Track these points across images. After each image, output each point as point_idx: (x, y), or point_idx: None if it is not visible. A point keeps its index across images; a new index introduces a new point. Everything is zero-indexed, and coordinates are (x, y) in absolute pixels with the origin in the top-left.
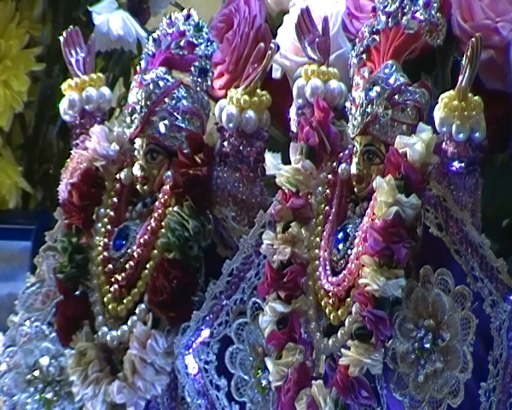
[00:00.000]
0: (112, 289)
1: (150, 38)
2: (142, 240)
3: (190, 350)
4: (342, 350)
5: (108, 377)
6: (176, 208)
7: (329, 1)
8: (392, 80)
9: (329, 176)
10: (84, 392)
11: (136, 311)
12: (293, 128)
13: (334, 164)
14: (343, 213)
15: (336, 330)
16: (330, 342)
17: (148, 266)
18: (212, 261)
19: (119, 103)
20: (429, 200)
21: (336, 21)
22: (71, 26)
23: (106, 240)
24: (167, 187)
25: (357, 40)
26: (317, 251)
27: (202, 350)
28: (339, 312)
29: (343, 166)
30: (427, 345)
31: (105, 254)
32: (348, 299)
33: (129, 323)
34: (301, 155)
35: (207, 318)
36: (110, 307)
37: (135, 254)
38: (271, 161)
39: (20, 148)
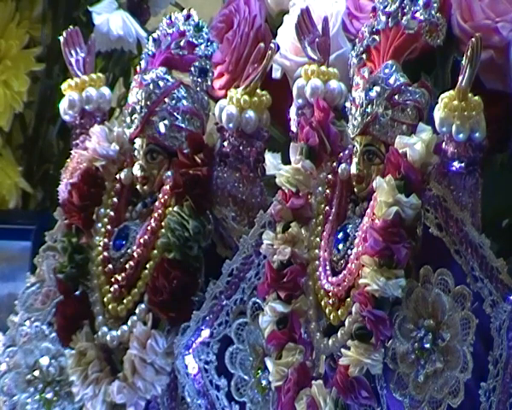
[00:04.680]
0: (112, 289)
1: (150, 38)
2: (142, 240)
3: (190, 350)
4: (342, 350)
5: (108, 377)
6: (176, 208)
7: (329, 1)
8: (392, 80)
9: (329, 176)
10: (84, 392)
11: (136, 311)
12: (293, 128)
13: (334, 164)
14: (343, 213)
15: (336, 330)
16: (330, 342)
17: (148, 266)
18: (212, 261)
19: (119, 103)
20: (429, 200)
21: (336, 21)
22: (71, 26)
23: (106, 240)
24: (167, 187)
25: (357, 40)
26: (317, 251)
27: (202, 350)
28: (339, 312)
29: (343, 166)
30: (427, 345)
31: (105, 254)
32: (348, 299)
33: (129, 323)
34: (301, 155)
35: (207, 318)
36: (110, 307)
37: (135, 254)
38: (271, 161)
39: (20, 148)
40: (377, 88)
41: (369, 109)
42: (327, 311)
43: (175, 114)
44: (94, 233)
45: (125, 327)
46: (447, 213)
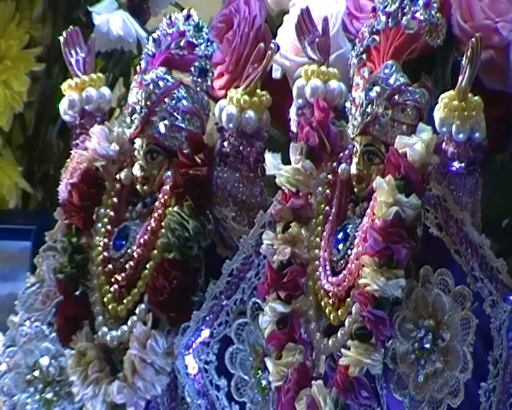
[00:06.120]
0: (112, 289)
1: (150, 38)
2: (142, 240)
3: (190, 350)
4: (342, 350)
5: (108, 377)
6: (176, 208)
7: (329, 1)
8: (392, 80)
9: (329, 176)
10: (84, 392)
11: (136, 311)
12: (293, 128)
13: (334, 164)
14: (343, 213)
15: (336, 330)
16: (330, 342)
17: (148, 266)
18: (212, 261)
19: (119, 103)
20: (429, 200)
21: (336, 21)
22: (71, 26)
23: (106, 240)
24: (167, 187)
25: (357, 40)
26: (316, 251)
27: (202, 350)
28: (339, 312)
29: (343, 166)
30: (427, 345)
31: (105, 254)
32: (348, 299)
33: (129, 323)
34: (301, 155)
35: (207, 318)
36: (110, 307)
37: (135, 254)
38: (271, 161)
39: (20, 148)
40: (377, 88)
41: (369, 109)
42: (327, 311)
43: (175, 114)
44: (94, 233)
45: (125, 327)
46: (447, 213)
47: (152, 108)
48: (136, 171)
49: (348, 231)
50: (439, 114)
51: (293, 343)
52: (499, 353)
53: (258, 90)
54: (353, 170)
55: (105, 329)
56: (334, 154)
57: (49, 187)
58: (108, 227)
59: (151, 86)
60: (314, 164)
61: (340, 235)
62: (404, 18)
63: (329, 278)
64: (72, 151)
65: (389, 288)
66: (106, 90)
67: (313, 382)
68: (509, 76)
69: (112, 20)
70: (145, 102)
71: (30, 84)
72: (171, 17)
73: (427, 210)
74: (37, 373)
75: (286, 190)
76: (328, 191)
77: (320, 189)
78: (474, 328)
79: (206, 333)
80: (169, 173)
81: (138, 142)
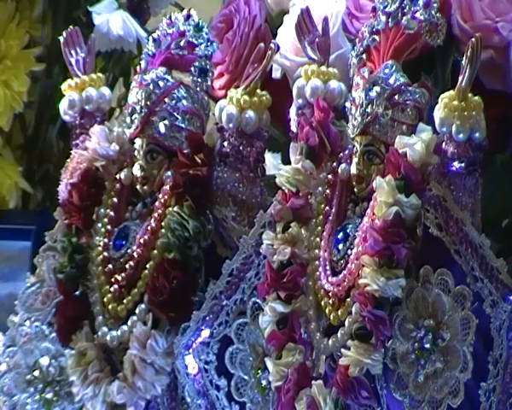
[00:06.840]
0: (112, 289)
1: (150, 38)
2: (142, 240)
3: (190, 350)
4: (342, 350)
5: (108, 377)
6: (176, 208)
7: (329, 1)
8: (392, 80)
9: (329, 176)
10: (84, 392)
11: (136, 311)
12: (293, 128)
13: (334, 164)
14: (343, 213)
15: (336, 330)
16: (330, 342)
17: (148, 266)
18: (212, 261)
19: (119, 103)
20: (429, 200)
21: (336, 21)
22: (71, 26)
23: (106, 240)
24: (167, 187)
25: (357, 40)
26: (316, 251)
27: (202, 350)
28: (339, 312)
29: (343, 166)
30: (427, 345)
31: (105, 254)
32: (348, 299)
33: (129, 323)
34: (301, 155)
35: (207, 318)
36: (110, 307)
37: (135, 254)
38: (271, 161)
39: (20, 148)
40: (377, 88)
41: (369, 109)
42: (327, 311)
43: (175, 114)
44: (94, 233)
45: (125, 327)
46: (447, 213)
47: (152, 108)
48: (136, 171)
49: (348, 231)
50: (439, 114)
51: (293, 343)
52: (499, 353)
53: (258, 90)
54: (353, 170)
55: (105, 329)
56: (334, 154)
57: (49, 187)
58: (108, 227)
59: (151, 86)
60: (314, 164)
61: (340, 235)
62: (404, 18)
63: (329, 278)
64: (72, 151)
65: (389, 288)
66: (106, 90)
67: (313, 382)
68: (509, 76)
69: (112, 20)
70: (145, 102)
71: (30, 84)
72: (171, 17)
73: (427, 210)
74: (37, 373)
75: (286, 190)
76: (328, 191)
77: (320, 189)
78: (474, 328)
79: (206, 333)
80: (169, 173)
81: (138, 142)
